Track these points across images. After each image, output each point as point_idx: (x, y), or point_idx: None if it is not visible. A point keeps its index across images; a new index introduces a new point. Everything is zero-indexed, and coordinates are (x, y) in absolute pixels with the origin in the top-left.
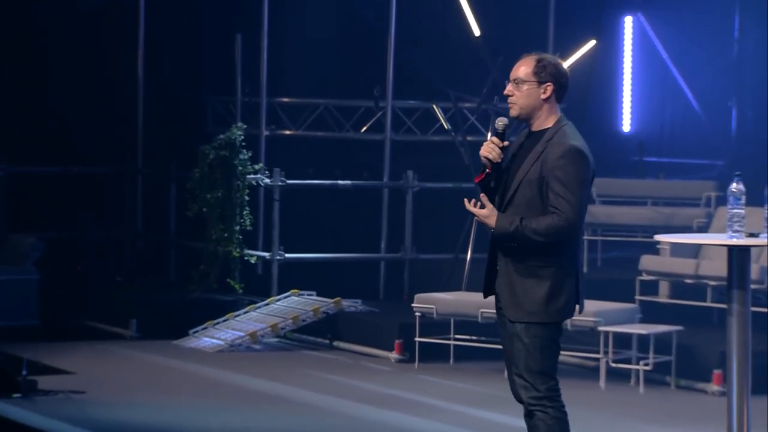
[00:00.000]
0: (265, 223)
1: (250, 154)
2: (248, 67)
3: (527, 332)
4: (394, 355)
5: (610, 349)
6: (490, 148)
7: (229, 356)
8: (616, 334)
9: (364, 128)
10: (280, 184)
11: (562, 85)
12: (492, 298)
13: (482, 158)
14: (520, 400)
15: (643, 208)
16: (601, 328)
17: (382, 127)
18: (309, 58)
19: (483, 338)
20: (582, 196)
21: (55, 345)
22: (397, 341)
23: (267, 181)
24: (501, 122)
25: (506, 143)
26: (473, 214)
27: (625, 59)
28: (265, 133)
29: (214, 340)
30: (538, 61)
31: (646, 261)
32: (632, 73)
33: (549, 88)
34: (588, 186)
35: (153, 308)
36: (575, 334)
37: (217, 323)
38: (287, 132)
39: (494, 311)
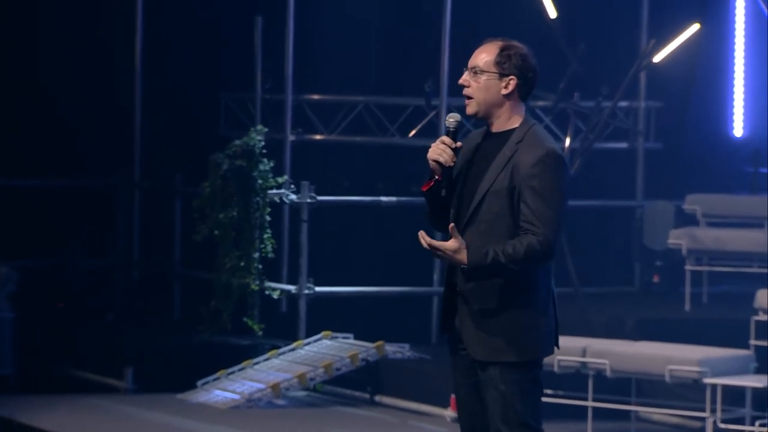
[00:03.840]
0: (290, 250)
1: (272, 164)
2: (270, 58)
3: (502, 376)
4: (449, 413)
5: (719, 406)
6: (440, 150)
7: (246, 413)
8: (726, 388)
9: (413, 132)
10: (309, 200)
11: (528, 81)
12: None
13: (431, 162)
14: None
15: (760, 232)
16: (708, 380)
17: (434, 130)
18: (345, 46)
19: (560, 392)
20: (561, 209)
21: (33, 399)
22: (453, 395)
23: (293, 197)
24: (452, 119)
25: (459, 144)
26: (433, 250)
27: (736, 47)
28: (291, 137)
29: (228, 394)
30: (503, 49)
31: (764, 297)
32: (745, 64)
33: (512, 82)
34: (567, 196)
35: (153, 354)
36: (675, 387)
37: (232, 373)
38: (318, 137)
39: (574, 359)
